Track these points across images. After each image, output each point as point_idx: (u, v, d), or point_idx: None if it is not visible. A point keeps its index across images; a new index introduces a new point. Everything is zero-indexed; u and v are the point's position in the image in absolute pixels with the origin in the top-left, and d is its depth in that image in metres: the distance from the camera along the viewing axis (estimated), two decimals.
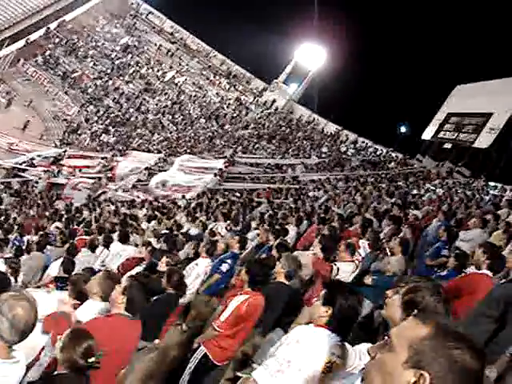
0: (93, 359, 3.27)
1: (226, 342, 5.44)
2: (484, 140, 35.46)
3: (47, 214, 21.17)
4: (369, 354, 1.51)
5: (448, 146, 40.27)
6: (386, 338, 1.51)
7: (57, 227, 15.76)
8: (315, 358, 3.08)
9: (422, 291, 2.89)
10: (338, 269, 7.09)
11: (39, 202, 24.73)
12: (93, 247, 10.20)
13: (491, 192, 23.26)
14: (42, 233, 13.91)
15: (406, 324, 1.49)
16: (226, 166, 31.54)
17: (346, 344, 3.15)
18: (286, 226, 11.65)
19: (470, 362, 1.34)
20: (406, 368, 1.38)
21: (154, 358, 6.35)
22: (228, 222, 13.39)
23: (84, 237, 12.13)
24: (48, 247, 10.64)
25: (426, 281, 3.18)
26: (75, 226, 16.39)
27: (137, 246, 10.74)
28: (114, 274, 5.75)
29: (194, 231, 12.99)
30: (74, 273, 7.43)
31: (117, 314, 4.15)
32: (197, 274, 7.68)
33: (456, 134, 39.50)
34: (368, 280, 7.09)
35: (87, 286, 5.02)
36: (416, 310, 2.69)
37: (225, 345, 5.47)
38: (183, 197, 23.36)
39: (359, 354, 3.07)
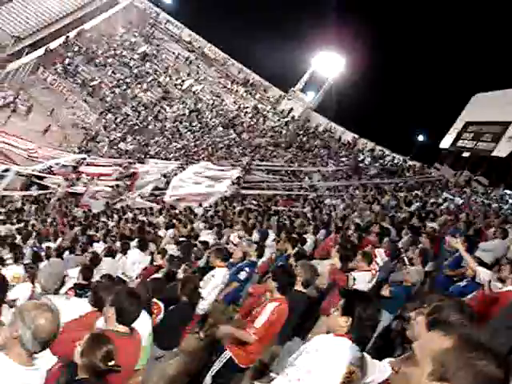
0: (113, 362, 3.29)
1: (253, 346, 5.41)
2: (503, 149, 35.16)
3: (65, 221, 21.33)
4: (392, 369, 1.51)
5: (466, 154, 40.01)
6: (410, 351, 1.50)
7: (76, 234, 15.88)
8: (335, 367, 3.07)
9: (446, 309, 2.87)
10: (355, 278, 7.07)
11: (58, 209, 24.93)
12: (112, 254, 10.25)
13: (510, 201, 23.06)
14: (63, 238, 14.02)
15: (429, 337, 1.49)
16: (243, 174, 31.57)
17: (366, 355, 3.14)
18: (304, 235, 11.64)
19: (494, 371, 1.33)
20: (430, 380, 1.38)
21: (174, 366, 6.37)
22: (242, 231, 13.36)
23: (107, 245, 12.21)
24: (67, 255, 10.70)
25: (449, 299, 3.16)
26: (93, 233, 16.51)
27: (152, 253, 10.76)
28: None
29: (210, 239, 13.00)
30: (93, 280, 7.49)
31: (109, 331, 3.96)
32: (214, 285, 7.62)
33: (474, 143, 39.22)
34: (386, 291, 7.06)
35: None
36: None
37: (252, 349, 5.44)
38: (200, 205, 23.37)
39: (379, 367, 3.06)
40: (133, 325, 4.18)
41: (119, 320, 4.05)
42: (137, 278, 9.00)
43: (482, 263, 7.03)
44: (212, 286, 7.50)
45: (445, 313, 2.84)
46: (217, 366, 5.33)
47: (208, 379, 5.30)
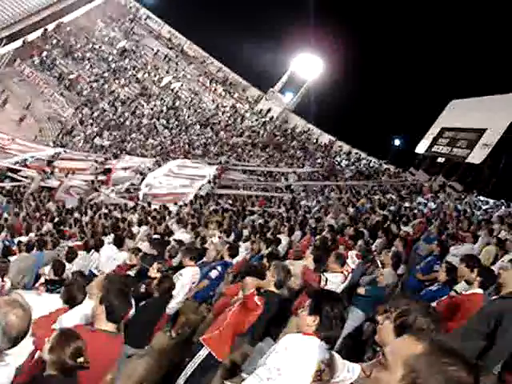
0: (82, 359, 3.26)
1: (230, 335, 5.41)
2: (477, 155, 35.57)
3: (38, 215, 21.10)
4: (364, 373, 1.51)
5: (441, 160, 40.39)
6: (381, 356, 1.51)
7: (48, 229, 15.73)
8: (305, 365, 3.09)
9: (413, 313, 2.90)
10: (327, 279, 7.10)
11: (31, 203, 24.64)
12: (87, 249, 10.17)
13: (483, 207, 23.34)
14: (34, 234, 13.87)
15: (401, 342, 1.49)
16: (219, 173, 31.54)
17: (335, 354, 3.15)
18: (279, 235, 11.67)
19: (464, 377, 1.34)
20: None
21: (144, 364, 6.33)
22: (220, 231, 13.34)
23: (79, 243, 12.09)
24: (39, 251, 10.56)
25: (416, 303, 3.19)
26: (65, 229, 16.37)
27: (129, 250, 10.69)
28: (115, 277, 5.73)
29: (185, 237, 12.96)
30: (64, 275, 7.41)
31: (99, 330, 4.00)
32: (181, 284, 7.57)
33: (449, 149, 39.60)
34: (361, 290, 7.11)
35: (88, 286, 5.02)
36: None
37: (229, 339, 5.43)
38: (175, 203, 23.27)
39: (347, 367, 3.07)
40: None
41: (109, 318, 4.03)
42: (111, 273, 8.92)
43: (454, 268, 7.10)
44: (180, 285, 7.45)
45: (411, 317, 2.87)
46: (192, 366, 5.29)
47: (181, 380, 5.26)
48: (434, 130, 43.02)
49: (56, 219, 18.79)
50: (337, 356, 3.14)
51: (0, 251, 11.10)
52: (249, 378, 3.30)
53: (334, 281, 7.22)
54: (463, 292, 5.93)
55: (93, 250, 10.31)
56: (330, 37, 52.85)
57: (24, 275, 9.33)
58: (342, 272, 7.44)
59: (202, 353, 5.29)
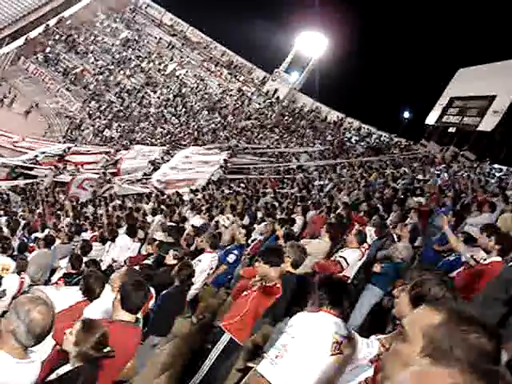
0: (108, 349, 3.29)
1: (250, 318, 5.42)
2: (488, 123, 35.32)
3: (54, 210, 21.22)
4: (383, 346, 1.50)
5: (452, 130, 40.14)
6: (400, 327, 1.49)
7: (66, 225, 15.80)
8: (313, 339, 3.11)
9: (427, 283, 2.88)
10: (345, 259, 7.10)
11: (45, 199, 24.78)
12: (103, 240, 10.21)
13: (497, 175, 23.19)
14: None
15: (419, 312, 1.47)
16: (229, 157, 31.51)
17: (354, 332, 3.16)
18: (293, 216, 11.67)
19: (486, 344, 1.32)
20: (422, 357, 1.37)
21: (167, 352, 6.37)
22: (234, 215, 13.37)
23: (96, 233, 12.15)
24: (56, 244, 10.63)
25: (430, 273, 3.17)
26: (81, 222, 16.45)
27: (141, 240, 10.73)
28: (135, 270, 5.76)
29: (199, 223, 12.99)
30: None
31: (116, 320, 4.03)
32: (200, 270, 7.63)
33: (460, 118, 39.38)
34: (377, 268, 7.08)
35: (110, 279, 5.05)
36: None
37: (249, 321, 5.44)
38: (191, 191, 23.22)
39: (367, 342, 3.08)
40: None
41: (124, 307, 4.05)
42: (125, 262, 8.96)
43: (470, 238, 7.05)
44: (199, 271, 7.49)
45: (426, 287, 2.85)
46: (215, 352, 5.30)
47: (205, 366, 5.27)
48: (443, 100, 42.75)
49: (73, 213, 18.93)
50: (356, 334, 3.15)
51: (17, 248, 11.18)
52: (262, 361, 3.32)
53: (353, 257, 7.21)
54: (482, 261, 5.89)
55: (109, 242, 10.37)
56: (333, 12, 52.36)
57: (43, 271, 9.40)
58: (358, 248, 7.44)
59: (224, 338, 5.30)
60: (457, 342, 1.33)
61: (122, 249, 10.11)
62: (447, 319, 1.37)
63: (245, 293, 5.47)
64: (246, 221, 12.86)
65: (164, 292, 6.20)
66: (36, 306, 2.95)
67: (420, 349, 1.37)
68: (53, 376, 3.33)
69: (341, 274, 7.05)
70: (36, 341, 2.96)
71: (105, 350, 3.29)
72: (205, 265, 7.80)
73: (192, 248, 9.59)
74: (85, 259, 8.17)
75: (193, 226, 11.53)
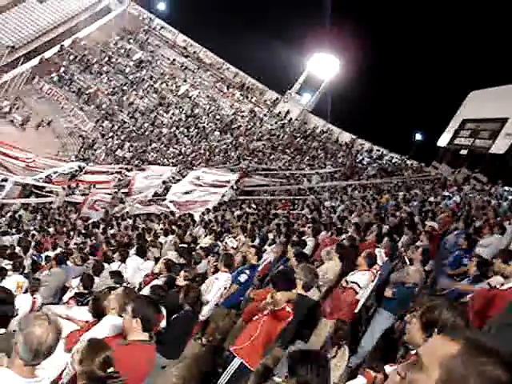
0: (112, 369, 3.28)
1: (260, 345, 5.40)
2: (500, 145, 35.16)
3: (65, 230, 21.28)
4: (398, 374, 1.48)
5: (464, 152, 39.98)
6: (415, 356, 1.48)
7: (76, 244, 15.84)
8: None
9: (438, 309, 2.88)
10: (357, 283, 7.07)
11: (58, 218, 24.87)
12: (108, 260, 10.22)
13: (510, 197, 23.03)
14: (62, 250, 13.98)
15: (435, 341, 1.46)
16: (240, 178, 31.52)
17: None
18: (304, 238, 11.63)
19: (502, 376, 1.31)
20: None
21: (177, 373, 6.35)
22: (242, 235, 13.37)
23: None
24: (69, 265, 10.64)
25: (440, 298, 3.17)
26: (93, 242, 16.46)
27: (155, 259, 10.75)
28: (131, 290, 5.75)
29: (209, 243, 13.03)
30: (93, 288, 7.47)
31: (134, 341, 4.06)
32: (217, 288, 7.65)
33: (472, 141, 39.22)
34: (388, 293, 7.05)
35: (106, 301, 5.03)
36: (436, 329, 2.68)
37: (259, 348, 5.42)
38: (203, 213, 23.18)
39: None
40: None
41: (145, 329, 4.09)
42: (140, 285, 8.97)
43: (483, 262, 7.00)
44: (216, 289, 7.51)
45: (437, 312, 2.84)
46: (226, 376, 5.28)
47: None
48: (455, 123, 42.66)
49: (83, 233, 18.96)
50: None
51: (29, 267, 11.21)
52: None
53: (363, 280, 7.18)
54: (497, 286, 5.83)
55: (120, 262, 10.37)
56: (345, 35, 52.64)
57: (56, 291, 9.42)
58: (369, 270, 7.41)
59: (235, 362, 5.29)
60: (473, 373, 1.32)
61: (134, 270, 10.11)
62: (464, 350, 1.36)
63: (256, 317, 5.46)
64: (257, 242, 12.84)
65: (174, 316, 6.19)
66: (37, 320, 2.98)
67: (436, 379, 1.36)
68: None
69: (355, 298, 7.04)
70: (34, 356, 2.94)
71: (109, 371, 3.28)
72: (221, 283, 7.82)
73: (200, 267, 9.61)
74: (97, 280, 8.20)
75: (201, 247, 11.55)
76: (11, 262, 9.79)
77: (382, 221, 14.12)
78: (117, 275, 7.94)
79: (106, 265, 9.97)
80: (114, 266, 10.37)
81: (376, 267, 7.69)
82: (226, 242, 12.68)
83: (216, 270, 8.47)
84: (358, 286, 7.07)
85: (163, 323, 5.98)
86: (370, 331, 6.93)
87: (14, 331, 3.55)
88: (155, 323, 4.24)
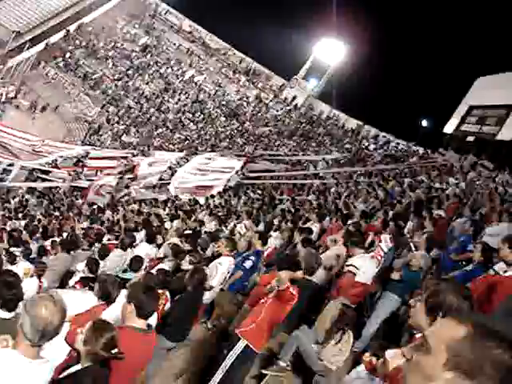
0: (116, 350, 3.30)
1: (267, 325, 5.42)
2: (507, 132, 35.00)
3: (71, 214, 21.33)
4: (403, 356, 1.48)
5: (471, 138, 39.81)
6: (421, 338, 1.48)
7: (82, 228, 15.87)
8: None
9: (442, 293, 2.87)
10: (357, 267, 7.13)
11: (63, 203, 24.92)
12: (124, 247, 10.20)
13: None
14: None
15: (443, 324, 1.45)
16: (245, 163, 31.46)
17: None
18: (308, 224, 11.65)
19: (508, 361, 1.31)
20: (445, 370, 1.35)
21: (182, 357, 6.38)
22: (248, 220, 13.38)
23: (114, 242, 12.14)
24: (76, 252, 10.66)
25: (445, 282, 3.16)
26: (98, 226, 16.50)
27: (158, 245, 10.76)
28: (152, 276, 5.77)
29: (214, 228, 13.05)
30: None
31: (128, 327, 4.06)
32: (222, 272, 7.67)
33: (478, 127, 39.06)
34: (396, 275, 7.03)
35: (111, 285, 5.06)
36: (441, 312, 2.67)
37: (266, 329, 5.44)
38: (207, 198, 23.18)
39: None
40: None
41: (139, 314, 4.09)
42: (145, 269, 8.99)
43: (488, 248, 6.98)
44: (220, 273, 7.54)
45: (441, 296, 2.84)
46: (230, 358, 5.30)
47: (220, 372, 5.27)
48: (461, 109, 42.44)
49: (90, 218, 19.01)
50: None
51: (36, 251, 11.26)
52: None
53: (357, 261, 7.25)
54: (501, 272, 5.82)
55: (129, 248, 10.38)
56: (352, 20, 52.21)
57: (61, 275, 9.45)
58: (368, 253, 7.49)
59: (240, 345, 5.30)
60: (481, 357, 1.31)
61: (144, 256, 10.14)
62: (471, 333, 1.35)
63: (262, 300, 5.47)
64: (261, 227, 12.84)
65: (176, 298, 6.21)
66: (42, 302, 2.99)
67: (443, 362, 1.36)
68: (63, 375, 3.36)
69: (356, 280, 7.07)
70: (41, 337, 2.95)
71: (113, 352, 3.30)
72: (225, 267, 7.84)
73: (207, 252, 9.63)
74: (103, 264, 8.23)
75: (206, 232, 11.57)
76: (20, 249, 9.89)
77: (392, 206, 14.11)
78: (138, 262, 7.99)
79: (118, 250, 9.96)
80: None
81: (380, 253, 7.70)
82: (233, 227, 12.72)
83: (219, 255, 8.49)
84: (355, 267, 7.10)
85: (167, 305, 6.02)
86: (375, 314, 6.93)
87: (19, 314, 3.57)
88: (150, 309, 4.21)
